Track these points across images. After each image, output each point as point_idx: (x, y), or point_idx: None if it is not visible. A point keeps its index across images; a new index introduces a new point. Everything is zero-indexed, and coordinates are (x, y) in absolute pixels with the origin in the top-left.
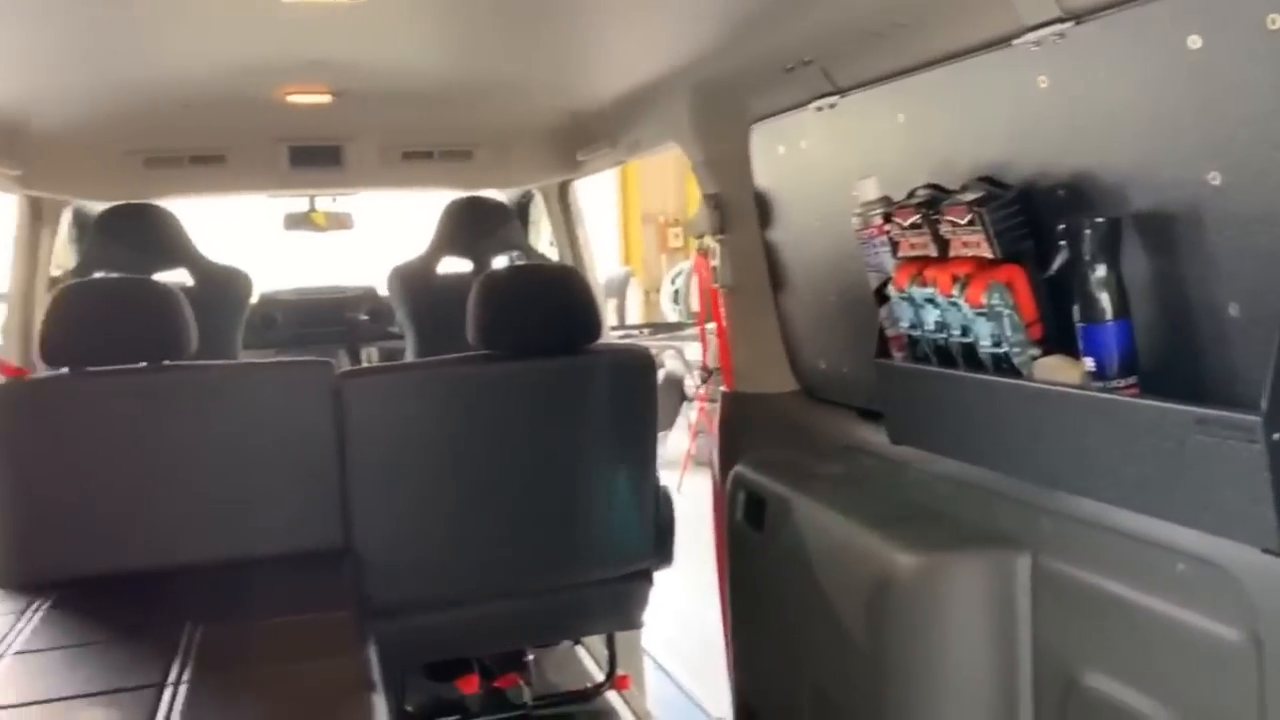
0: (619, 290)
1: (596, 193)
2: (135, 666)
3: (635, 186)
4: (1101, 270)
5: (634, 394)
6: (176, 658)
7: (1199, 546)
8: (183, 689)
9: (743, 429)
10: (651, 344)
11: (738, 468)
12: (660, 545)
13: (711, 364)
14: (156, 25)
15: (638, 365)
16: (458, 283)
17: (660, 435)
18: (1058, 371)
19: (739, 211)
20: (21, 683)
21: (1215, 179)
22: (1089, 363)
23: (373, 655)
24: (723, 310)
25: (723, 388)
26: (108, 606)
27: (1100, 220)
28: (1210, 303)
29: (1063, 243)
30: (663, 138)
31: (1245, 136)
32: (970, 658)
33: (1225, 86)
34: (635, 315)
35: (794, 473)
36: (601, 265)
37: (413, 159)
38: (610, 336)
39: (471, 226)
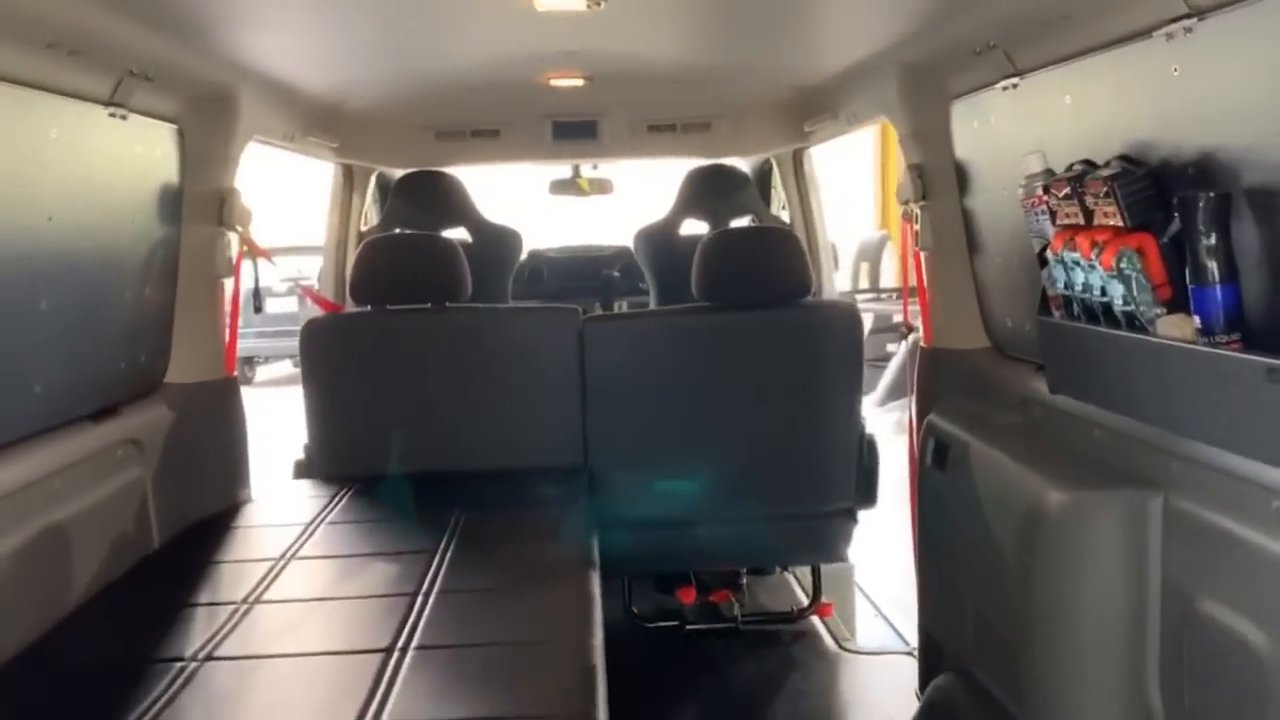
0: (874, 254)
1: (855, 154)
2: (414, 537)
3: (894, 150)
4: (1211, 239)
5: (838, 346)
6: (445, 535)
7: None
8: (449, 555)
9: (937, 382)
10: (898, 309)
11: (930, 417)
12: (864, 487)
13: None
14: (443, 27)
15: (842, 320)
16: (696, 243)
17: (909, 400)
18: (1176, 328)
19: (939, 180)
20: (330, 543)
21: None
22: (1197, 320)
23: (595, 545)
24: (923, 271)
25: (921, 344)
26: (393, 500)
27: (1210, 195)
28: None
29: (1177, 214)
30: (875, 112)
31: None
32: (1107, 585)
33: None
34: (892, 279)
35: (976, 421)
36: (857, 229)
37: (658, 131)
38: (855, 300)
39: (710, 192)
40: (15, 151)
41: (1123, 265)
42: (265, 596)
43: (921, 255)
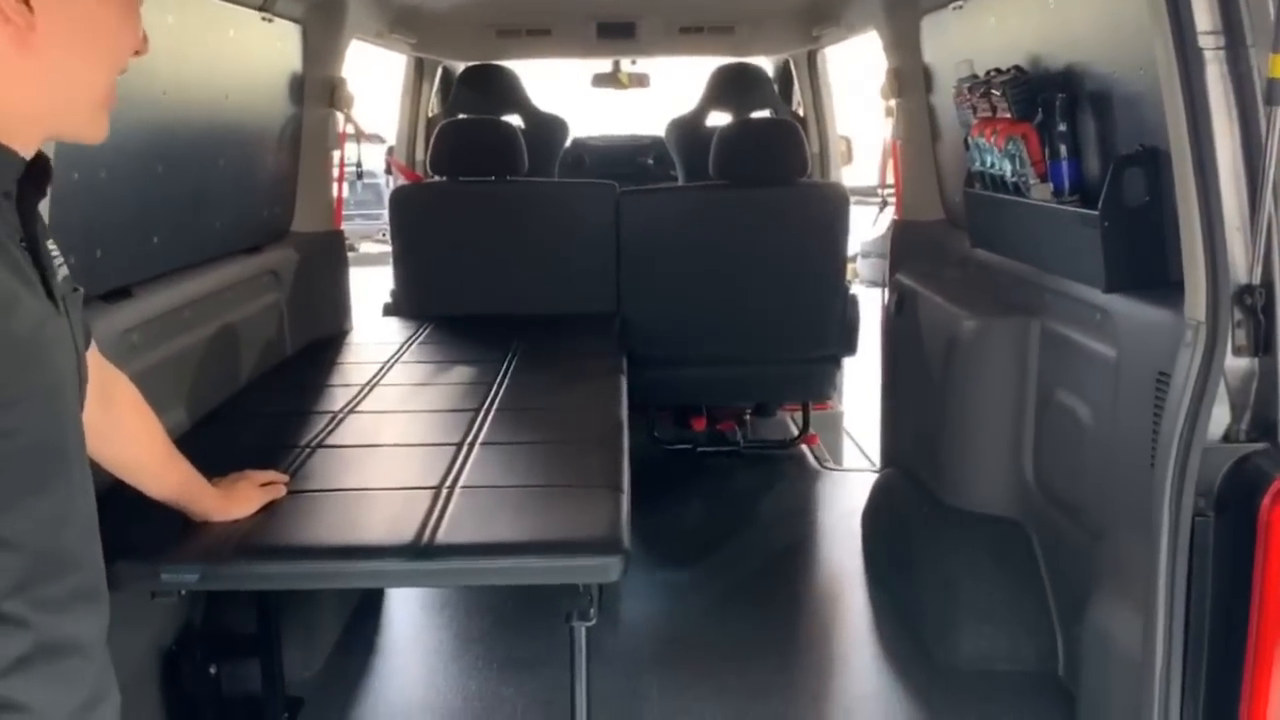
0: None
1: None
2: (482, 360)
3: None
4: (1061, 127)
5: (827, 219)
6: (506, 358)
7: (1102, 301)
8: (510, 371)
9: (905, 248)
10: None
11: (897, 275)
12: (845, 338)
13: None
14: None
15: (832, 197)
16: None
17: None
18: (1041, 193)
19: (910, 81)
20: (412, 367)
21: (1115, 72)
22: (1052, 186)
23: (624, 361)
24: (898, 156)
25: (894, 217)
26: (464, 333)
27: (1061, 95)
28: (1117, 148)
29: (1040, 109)
30: (866, 22)
31: (1120, 55)
32: (1000, 387)
33: (1118, 23)
34: None
35: (927, 276)
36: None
37: (688, 32)
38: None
39: (732, 87)
40: (206, 48)
41: (1010, 147)
42: (363, 406)
43: (896, 143)
